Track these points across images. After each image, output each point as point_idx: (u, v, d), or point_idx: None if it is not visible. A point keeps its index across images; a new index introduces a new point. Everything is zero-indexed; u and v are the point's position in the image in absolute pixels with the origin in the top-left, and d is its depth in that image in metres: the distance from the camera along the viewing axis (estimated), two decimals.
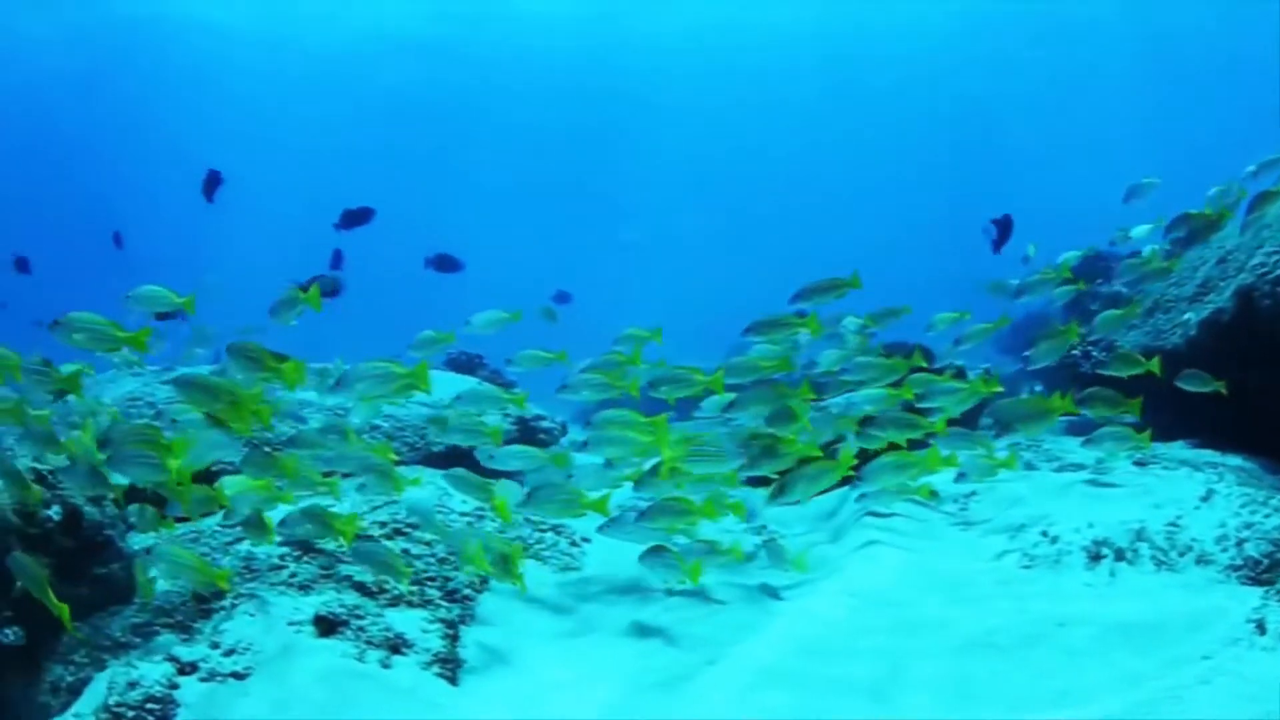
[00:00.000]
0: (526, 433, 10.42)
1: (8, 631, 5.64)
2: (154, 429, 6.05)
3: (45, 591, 5.43)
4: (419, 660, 5.77)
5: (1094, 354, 10.07)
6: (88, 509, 6.36)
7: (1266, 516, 6.43)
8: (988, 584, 6.19)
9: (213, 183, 11.04)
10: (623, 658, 5.96)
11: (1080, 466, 7.95)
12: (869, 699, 5.11)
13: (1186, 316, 8.94)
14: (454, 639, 6.09)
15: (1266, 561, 6.06)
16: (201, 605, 6.17)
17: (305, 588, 6.32)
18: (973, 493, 7.52)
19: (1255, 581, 5.93)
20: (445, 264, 12.23)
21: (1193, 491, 6.93)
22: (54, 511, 6.15)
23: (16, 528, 5.92)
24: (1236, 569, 6.04)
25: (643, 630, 6.27)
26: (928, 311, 9.17)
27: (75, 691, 5.59)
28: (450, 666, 5.85)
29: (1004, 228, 9.65)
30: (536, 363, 8.40)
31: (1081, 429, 8.58)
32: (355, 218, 11.44)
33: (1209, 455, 7.90)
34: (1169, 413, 8.50)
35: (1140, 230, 11.12)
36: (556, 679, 5.78)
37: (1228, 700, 4.61)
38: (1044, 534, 6.64)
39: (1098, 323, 9.09)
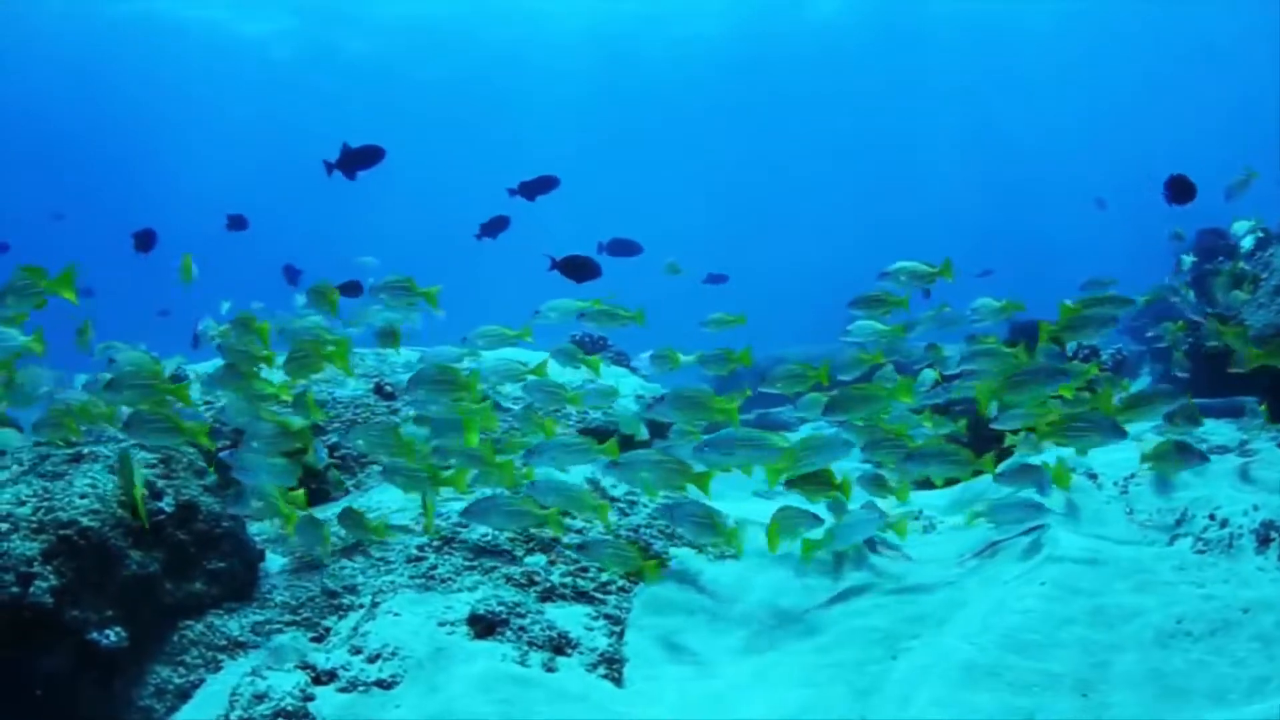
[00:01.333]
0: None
1: (109, 633, 5.14)
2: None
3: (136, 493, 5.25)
4: (584, 661, 5.53)
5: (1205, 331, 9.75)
6: (204, 499, 6.07)
7: None
8: (1166, 570, 6.06)
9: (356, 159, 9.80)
10: (799, 653, 5.74)
11: (1225, 449, 7.84)
12: (1071, 698, 4.94)
13: None
14: (619, 636, 5.84)
15: None
16: (332, 600, 5.87)
17: (448, 581, 6.03)
18: (1133, 475, 7.35)
19: None
20: (620, 248, 11.64)
21: None
22: (166, 503, 5.88)
23: (123, 520, 5.54)
24: None
25: (818, 625, 6.03)
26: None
27: (184, 695, 5.31)
28: (616, 667, 5.59)
29: (1180, 188, 9.21)
30: (498, 341, 8.04)
31: (1218, 411, 8.49)
32: (534, 187, 10.74)
33: None
34: None
35: (1240, 225, 11.02)
36: (733, 678, 5.57)
37: None
38: (1212, 517, 6.57)
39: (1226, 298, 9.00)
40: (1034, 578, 5.99)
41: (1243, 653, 5.20)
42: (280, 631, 5.64)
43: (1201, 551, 6.32)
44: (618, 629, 5.84)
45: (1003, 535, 6.79)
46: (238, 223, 12.51)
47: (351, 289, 9.38)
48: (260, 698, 4.65)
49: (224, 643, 5.58)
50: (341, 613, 5.84)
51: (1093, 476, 7.48)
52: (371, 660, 5.09)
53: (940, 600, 6.15)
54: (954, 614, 5.89)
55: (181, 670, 5.40)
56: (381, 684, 4.95)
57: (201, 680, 5.29)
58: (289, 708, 4.62)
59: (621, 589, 6.25)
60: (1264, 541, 6.21)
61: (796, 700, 5.18)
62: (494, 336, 7.99)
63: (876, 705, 5.06)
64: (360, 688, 4.92)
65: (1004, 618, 5.54)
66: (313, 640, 5.56)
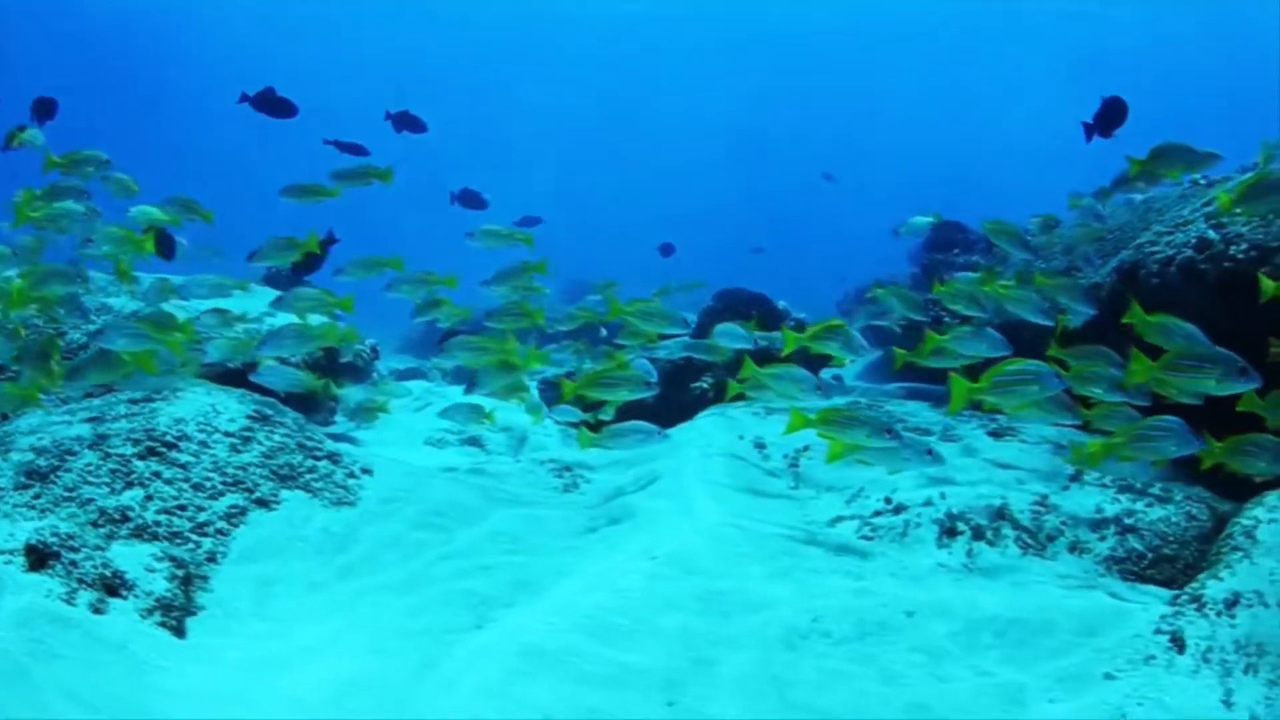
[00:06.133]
0: (333, 352, 9.67)
1: None
2: None
3: None
4: (139, 606, 4.75)
5: (945, 319, 9.29)
6: None
7: (1149, 505, 5.55)
8: (820, 555, 5.05)
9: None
10: (385, 617, 4.93)
11: (927, 431, 6.83)
12: (659, 700, 3.89)
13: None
14: (185, 581, 5.06)
15: (1151, 555, 5.26)
16: None
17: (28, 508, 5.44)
18: (806, 448, 6.42)
19: (1139, 577, 5.10)
20: (469, 200, 11.61)
21: (1058, 468, 5.98)
22: None
23: None
24: (1118, 561, 5.21)
25: (413, 582, 5.30)
26: None
27: None
28: (176, 615, 4.83)
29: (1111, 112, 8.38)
30: (367, 270, 7.70)
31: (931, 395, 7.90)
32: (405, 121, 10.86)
33: (1072, 435, 6.70)
34: None
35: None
36: (303, 640, 4.75)
37: None
38: (888, 501, 5.57)
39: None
40: (651, 550, 5.04)
41: (900, 666, 4.17)
42: None
43: (868, 538, 5.32)
44: (181, 572, 5.08)
45: (648, 498, 6.01)
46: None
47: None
48: None
49: None
50: None
51: (760, 446, 6.58)
52: None
53: (552, 566, 5.26)
54: (557, 583, 4.99)
55: None
56: None
57: None
58: None
59: (220, 531, 5.62)
60: (948, 534, 5.14)
61: (353, 671, 4.37)
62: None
63: (426, 688, 4.12)
64: None
65: (594, 595, 4.62)
66: None
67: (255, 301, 9.32)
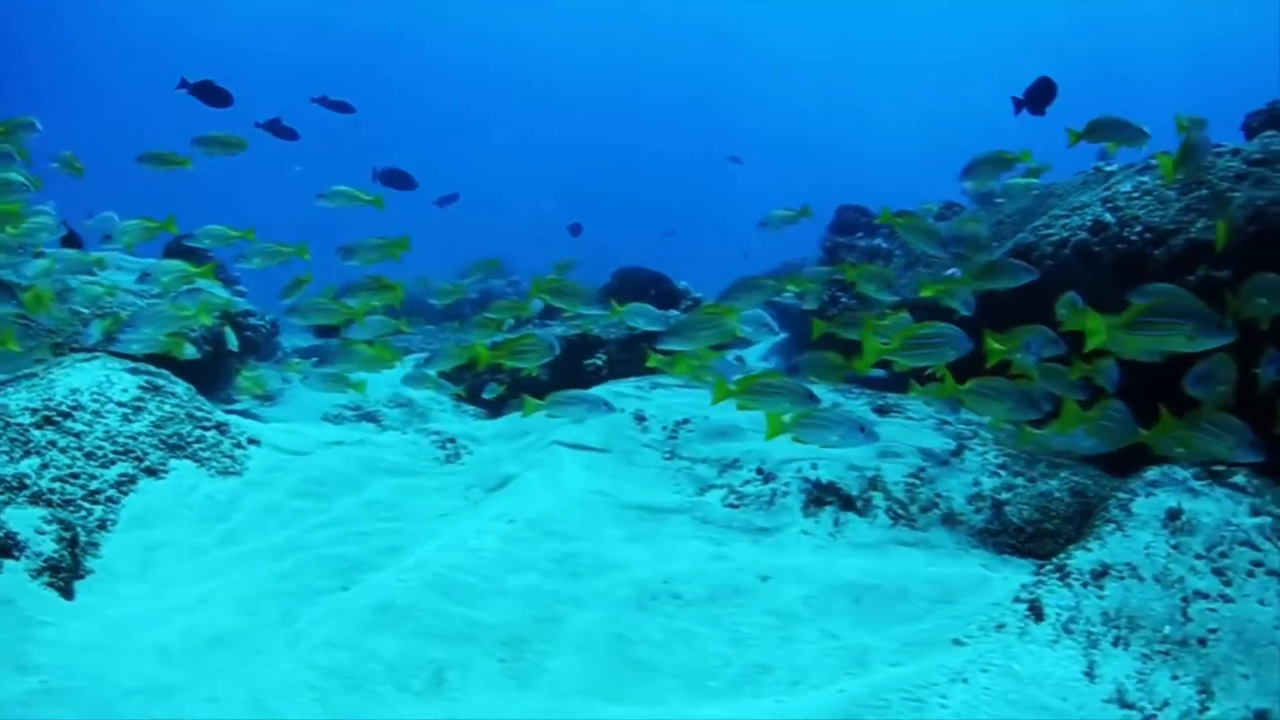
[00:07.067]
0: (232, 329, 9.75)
1: None
2: None
3: None
4: (28, 567, 4.79)
5: (843, 300, 9.40)
6: None
7: (1031, 481, 5.50)
8: (682, 521, 5.08)
9: None
10: (257, 580, 4.97)
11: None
12: (502, 658, 3.94)
13: (950, 272, 8.10)
14: (72, 544, 5.06)
15: (1031, 529, 5.23)
16: None
17: None
18: (685, 420, 6.40)
19: (1016, 551, 5.06)
20: (395, 179, 11.34)
21: (940, 444, 5.94)
22: None
23: None
24: (993, 534, 5.16)
25: (288, 547, 5.34)
26: None
27: None
28: (64, 576, 4.89)
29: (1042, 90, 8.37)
30: (272, 258, 7.57)
31: None
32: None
33: (964, 414, 6.60)
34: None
35: None
36: (178, 601, 4.80)
37: (982, 710, 3.39)
38: (759, 470, 5.55)
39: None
40: (512, 514, 5.09)
41: (749, 629, 4.16)
42: None
43: (734, 506, 5.31)
44: (69, 534, 5.07)
45: (523, 467, 6.01)
46: None
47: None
48: None
49: None
50: None
51: (640, 419, 6.53)
52: None
53: (424, 533, 5.26)
54: (421, 546, 5.00)
55: None
56: None
57: None
58: None
59: (110, 499, 5.65)
60: (816, 503, 5.12)
61: (218, 627, 4.42)
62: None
63: (279, 640, 4.17)
64: None
65: (450, 554, 4.67)
66: None
67: (123, 276, 9.33)
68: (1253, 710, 3.49)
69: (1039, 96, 8.28)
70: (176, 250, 11.55)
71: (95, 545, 5.22)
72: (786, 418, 5.01)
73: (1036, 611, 3.93)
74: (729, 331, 5.94)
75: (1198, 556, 4.21)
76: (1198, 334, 4.52)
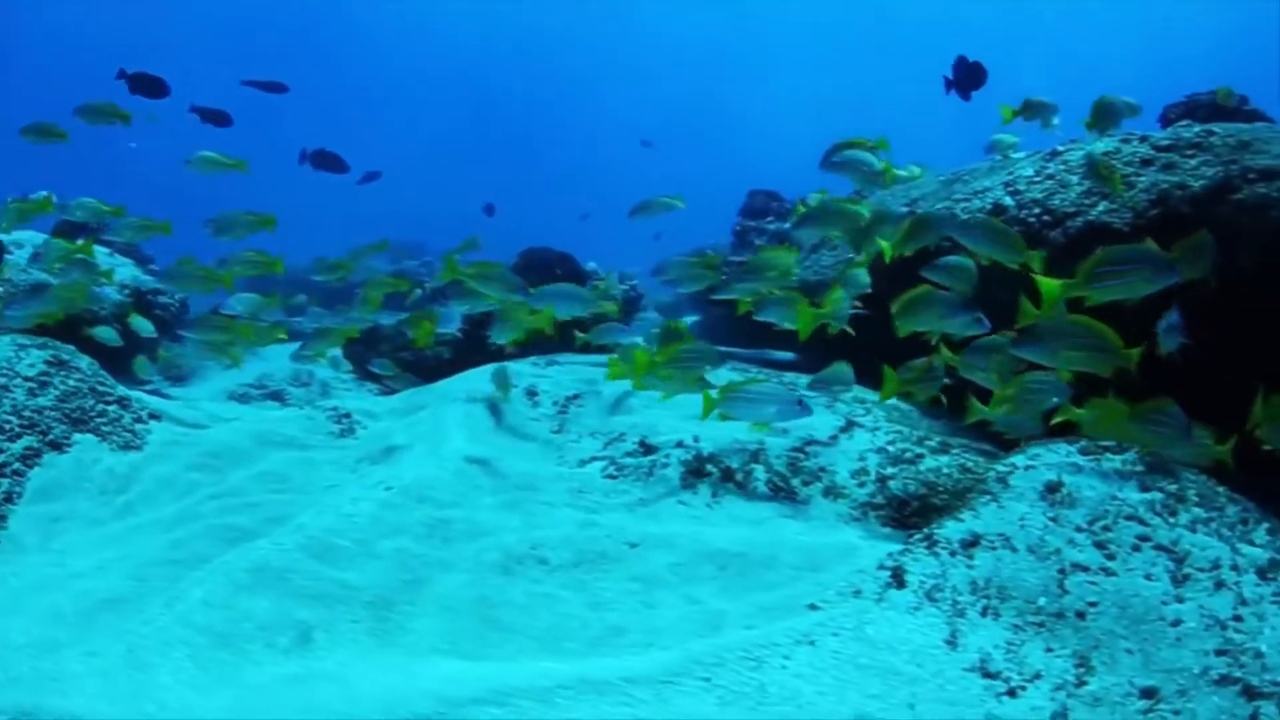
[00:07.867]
0: (141, 306, 9.97)
1: None
2: None
3: None
4: None
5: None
6: None
7: (919, 456, 5.51)
8: (559, 491, 5.22)
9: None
10: (151, 549, 5.09)
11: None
12: (366, 617, 4.09)
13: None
14: None
15: (916, 504, 5.21)
16: None
17: None
18: (576, 395, 6.56)
19: (900, 524, 5.07)
20: (326, 161, 11.15)
21: (830, 420, 5.99)
22: None
23: None
24: (876, 508, 5.17)
25: (182, 518, 5.47)
26: None
27: None
28: None
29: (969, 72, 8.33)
30: (141, 233, 7.73)
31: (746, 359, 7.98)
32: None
33: (858, 392, 6.65)
34: (823, 350, 7.48)
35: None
36: (75, 569, 4.94)
37: (827, 673, 3.41)
38: (641, 443, 5.67)
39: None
40: (389, 482, 5.25)
41: (612, 594, 4.28)
42: None
43: (612, 477, 5.43)
44: None
45: (410, 440, 6.19)
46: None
47: None
48: None
49: None
50: None
51: (533, 394, 6.68)
52: None
53: (311, 503, 5.40)
54: (301, 515, 5.14)
55: None
56: None
57: None
58: None
59: (16, 472, 5.80)
60: (696, 474, 5.09)
61: (109, 591, 4.56)
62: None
63: (160, 600, 4.27)
64: None
65: (324, 519, 4.81)
66: None
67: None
68: (1138, 687, 3.45)
69: (965, 80, 8.32)
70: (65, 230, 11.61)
71: (3, 519, 5.41)
72: (714, 393, 5.08)
73: (899, 578, 3.90)
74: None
75: (1078, 529, 4.13)
76: (1155, 276, 4.62)
